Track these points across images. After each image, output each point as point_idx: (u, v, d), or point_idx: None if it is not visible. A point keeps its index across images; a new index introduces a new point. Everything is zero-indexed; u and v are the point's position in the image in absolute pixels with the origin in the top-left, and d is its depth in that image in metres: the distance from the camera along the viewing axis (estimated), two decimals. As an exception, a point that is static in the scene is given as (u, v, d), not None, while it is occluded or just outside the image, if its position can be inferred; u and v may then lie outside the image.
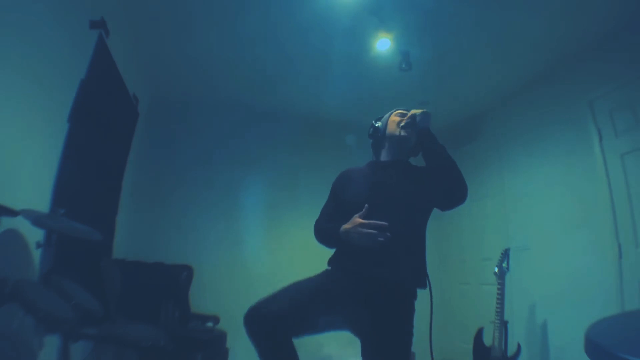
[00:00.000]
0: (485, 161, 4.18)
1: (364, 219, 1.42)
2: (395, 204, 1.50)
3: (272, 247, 4.08)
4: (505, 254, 3.20)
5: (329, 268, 1.58)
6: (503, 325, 2.97)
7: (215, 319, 3.28)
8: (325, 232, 1.59)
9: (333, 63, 3.46)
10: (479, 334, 3.17)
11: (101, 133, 2.85)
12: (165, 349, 2.07)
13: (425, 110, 1.60)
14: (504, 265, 3.15)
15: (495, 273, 3.14)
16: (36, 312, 1.45)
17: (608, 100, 2.92)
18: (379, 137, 1.70)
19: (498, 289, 3.06)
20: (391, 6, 2.77)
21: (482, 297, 3.85)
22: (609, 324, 0.80)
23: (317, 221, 1.67)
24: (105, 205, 3.12)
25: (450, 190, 1.49)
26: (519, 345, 2.95)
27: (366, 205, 1.43)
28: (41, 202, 2.05)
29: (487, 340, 3.07)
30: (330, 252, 1.62)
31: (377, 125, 1.72)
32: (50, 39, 2.01)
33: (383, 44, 3.16)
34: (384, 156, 1.70)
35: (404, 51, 3.20)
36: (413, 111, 1.63)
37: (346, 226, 1.46)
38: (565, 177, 3.21)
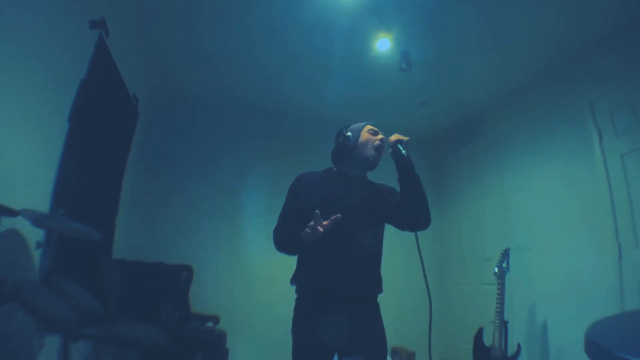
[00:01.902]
0: (485, 161, 4.18)
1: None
2: (360, 221, 1.56)
3: (272, 247, 4.07)
4: (505, 254, 3.20)
5: (297, 295, 1.61)
6: (503, 325, 2.97)
7: (215, 319, 3.28)
8: (289, 237, 1.59)
9: (333, 63, 3.46)
10: (479, 334, 3.17)
11: (101, 133, 2.85)
12: (165, 349, 2.07)
13: (407, 138, 1.59)
14: (504, 265, 3.15)
15: (495, 273, 3.14)
16: (36, 312, 1.45)
17: (608, 100, 2.92)
18: (347, 147, 1.65)
19: (498, 289, 3.06)
20: (391, 6, 2.77)
21: (482, 297, 3.85)
22: (609, 324, 0.80)
23: (277, 228, 1.66)
24: (105, 205, 3.12)
25: (418, 221, 1.57)
26: (519, 345, 2.95)
27: (339, 215, 1.43)
28: (41, 202, 2.05)
29: (487, 340, 3.07)
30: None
31: (347, 134, 1.66)
32: (50, 39, 2.01)
33: (383, 44, 3.16)
34: (347, 168, 1.68)
35: (404, 51, 3.20)
36: (396, 136, 1.59)
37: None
38: (565, 177, 3.21)
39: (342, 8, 2.80)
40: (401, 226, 1.63)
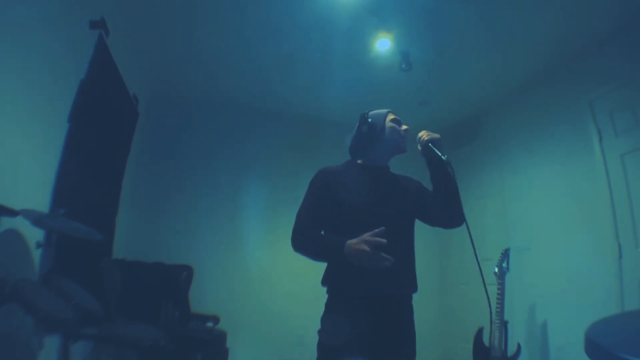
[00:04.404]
0: (485, 161, 4.18)
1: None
2: (397, 216, 1.48)
3: (272, 247, 4.08)
4: (505, 254, 3.20)
5: (329, 295, 1.48)
6: (503, 325, 2.97)
7: (215, 319, 3.28)
8: (322, 245, 1.42)
9: (333, 63, 3.46)
10: (479, 334, 3.17)
11: (101, 133, 2.85)
12: (165, 349, 2.07)
13: (438, 135, 1.52)
14: (504, 265, 3.15)
15: (495, 273, 3.14)
16: (36, 312, 1.45)
17: (608, 100, 2.92)
18: (373, 135, 1.56)
19: (498, 289, 3.06)
20: (391, 6, 2.77)
21: (482, 297, 3.83)
22: (609, 324, 0.80)
23: (299, 227, 1.47)
24: (105, 205, 3.12)
25: (453, 219, 1.54)
26: (519, 345, 2.95)
27: (383, 228, 1.29)
28: (41, 202, 2.05)
29: (487, 340, 3.07)
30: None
31: (371, 122, 1.56)
32: (51, 40, 2.01)
33: (383, 44, 3.16)
34: (374, 158, 1.59)
35: (404, 51, 3.20)
36: (426, 134, 1.51)
37: (353, 242, 1.31)
38: (565, 177, 3.21)
39: (342, 8, 2.80)
40: (433, 222, 1.58)
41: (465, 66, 3.50)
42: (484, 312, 3.44)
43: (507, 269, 3.15)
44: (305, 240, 1.45)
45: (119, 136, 3.33)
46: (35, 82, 1.92)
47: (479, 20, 2.89)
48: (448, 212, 1.53)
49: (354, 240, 1.31)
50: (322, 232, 1.50)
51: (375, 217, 1.41)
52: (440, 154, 1.47)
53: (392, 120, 1.60)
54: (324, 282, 1.49)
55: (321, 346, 1.43)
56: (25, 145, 1.92)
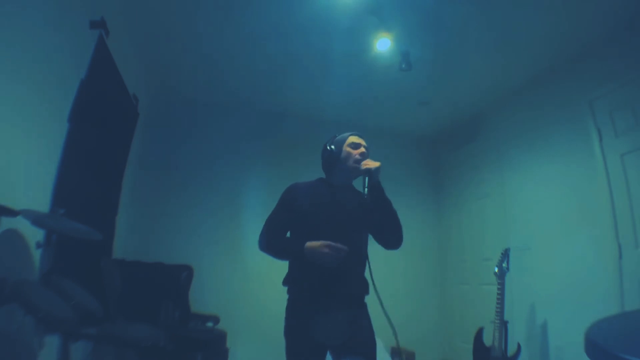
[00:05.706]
0: (485, 161, 4.18)
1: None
2: (350, 225, 1.69)
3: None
4: (505, 254, 3.20)
5: (289, 296, 1.68)
6: (503, 325, 2.97)
7: (215, 319, 3.28)
8: (284, 245, 1.67)
9: (333, 63, 3.46)
10: (479, 334, 3.18)
11: (101, 133, 2.85)
12: (165, 349, 2.07)
13: (379, 164, 1.66)
14: (504, 265, 3.15)
15: (495, 273, 3.14)
16: (36, 312, 1.45)
17: (608, 100, 2.92)
18: (332, 161, 1.77)
19: (498, 289, 3.06)
20: (391, 6, 2.78)
21: (482, 297, 3.85)
22: (609, 324, 0.81)
23: (265, 233, 1.71)
24: (105, 205, 3.12)
25: (389, 242, 1.74)
26: (519, 345, 2.95)
27: (345, 248, 1.52)
28: (41, 202, 2.05)
29: (487, 340, 3.07)
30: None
31: (331, 148, 1.78)
32: (51, 39, 2.01)
33: (383, 44, 3.16)
34: (335, 179, 1.80)
35: (404, 51, 3.21)
36: (368, 162, 1.67)
37: (313, 244, 1.54)
38: (565, 177, 3.21)
39: (342, 8, 2.80)
40: (375, 240, 1.75)
41: (465, 66, 3.50)
42: (484, 312, 3.45)
43: (507, 269, 3.15)
44: (268, 244, 1.69)
45: (119, 136, 3.33)
46: (35, 82, 1.92)
47: (479, 20, 2.90)
48: (384, 234, 1.73)
49: (314, 244, 1.54)
50: (287, 236, 1.74)
51: (330, 226, 1.62)
52: (364, 187, 1.64)
53: (350, 145, 1.77)
54: (285, 282, 1.70)
55: (288, 346, 1.61)
56: (25, 146, 1.92)
